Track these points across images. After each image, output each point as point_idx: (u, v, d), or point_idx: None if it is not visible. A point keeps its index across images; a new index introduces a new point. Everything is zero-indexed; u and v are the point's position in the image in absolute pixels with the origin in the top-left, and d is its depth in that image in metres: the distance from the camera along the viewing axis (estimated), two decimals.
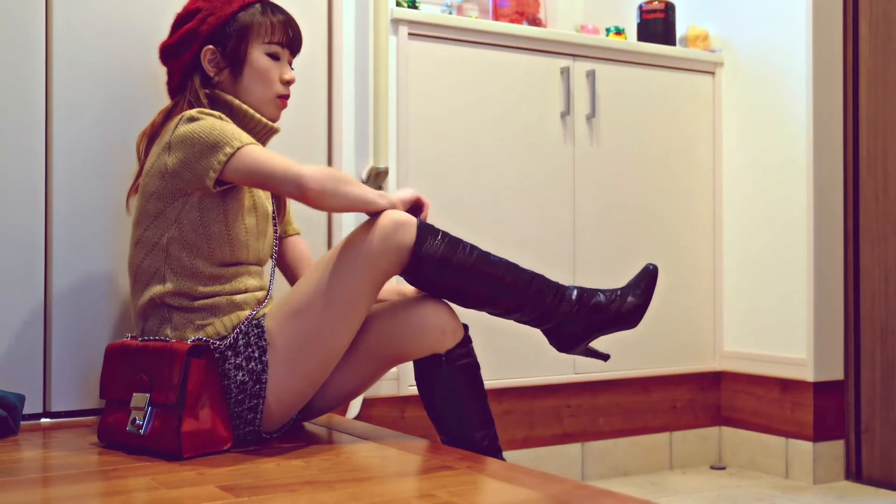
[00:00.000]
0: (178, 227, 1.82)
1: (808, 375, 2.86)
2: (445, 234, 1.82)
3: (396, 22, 2.60)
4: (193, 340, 1.74)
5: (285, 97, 1.99)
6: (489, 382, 2.65)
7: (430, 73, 2.66)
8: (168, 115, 1.93)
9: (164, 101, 2.05)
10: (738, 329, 3.10)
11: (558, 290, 1.87)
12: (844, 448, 2.92)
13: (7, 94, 2.06)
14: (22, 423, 2.00)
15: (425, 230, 1.81)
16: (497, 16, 2.99)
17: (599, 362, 2.89)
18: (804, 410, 2.87)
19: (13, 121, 2.07)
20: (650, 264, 1.92)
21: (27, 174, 2.08)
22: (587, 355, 1.97)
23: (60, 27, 2.11)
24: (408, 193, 1.90)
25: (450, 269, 1.81)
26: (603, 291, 1.89)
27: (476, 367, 1.91)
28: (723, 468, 3.07)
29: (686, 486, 2.84)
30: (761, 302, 3.02)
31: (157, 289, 1.83)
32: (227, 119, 1.87)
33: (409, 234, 1.79)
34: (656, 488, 2.81)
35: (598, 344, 2.19)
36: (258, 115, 1.95)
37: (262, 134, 1.98)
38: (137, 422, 1.72)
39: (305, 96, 2.41)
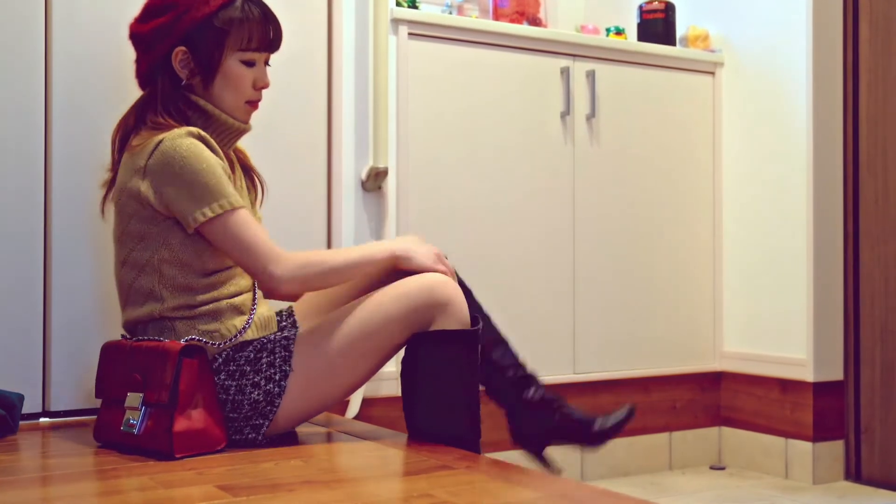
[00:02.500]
0: (167, 248, 1.79)
1: (808, 376, 2.86)
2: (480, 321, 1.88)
3: (396, 22, 2.60)
4: (187, 340, 1.74)
5: (255, 102, 1.92)
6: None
7: (430, 72, 2.66)
8: (140, 112, 1.86)
9: None
10: (738, 329, 3.10)
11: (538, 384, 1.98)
12: (844, 448, 2.91)
13: (7, 93, 2.06)
14: (21, 422, 2.00)
15: (475, 310, 1.89)
16: (497, 16, 2.99)
17: (600, 362, 2.90)
18: (804, 411, 2.87)
19: (12, 120, 2.06)
20: (631, 407, 2.00)
21: (26, 174, 2.08)
22: (538, 461, 2.00)
23: (60, 25, 2.11)
24: (426, 249, 1.90)
25: (469, 363, 1.84)
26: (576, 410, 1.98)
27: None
28: (722, 468, 3.07)
29: (686, 487, 2.84)
30: (761, 302, 3.02)
31: (155, 307, 1.81)
32: (204, 138, 1.79)
33: (460, 302, 1.82)
34: (656, 488, 2.81)
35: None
36: (231, 120, 1.89)
37: (234, 136, 1.93)
38: (131, 421, 1.72)
39: (305, 96, 2.41)
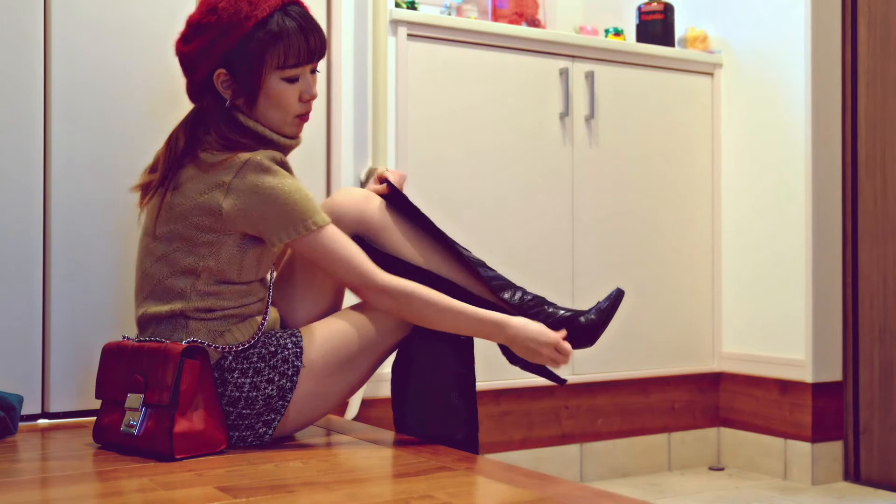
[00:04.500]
0: (215, 258, 1.79)
1: (807, 376, 2.87)
2: None
3: (395, 23, 2.60)
4: (188, 342, 1.73)
5: (305, 115, 1.89)
6: (488, 383, 2.65)
7: (429, 73, 2.66)
8: (191, 130, 1.84)
9: (163, 99, 2.05)
10: (736, 330, 3.10)
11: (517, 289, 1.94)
12: (843, 449, 2.92)
13: (6, 93, 2.06)
14: (20, 423, 2.00)
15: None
16: (496, 17, 2.99)
17: (599, 363, 2.90)
18: (803, 411, 2.88)
19: (11, 120, 2.06)
20: (619, 289, 1.96)
21: (25, 174, 2.08)
22: (540, 373, 1.95)
23: (59, 27, 2.11)
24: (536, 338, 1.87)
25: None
26: (562, 308, 1.94)
27: None
28: (721, 469, 3.07)
29: (685, 487, 2.84)
30: (760, 303, 3.02)
31: (177, 305, 1.80)
32: (283, 162, 1.81)
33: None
34: (655, 489, 2.81)
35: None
36: (281, 139, 1.87)
37: (286, 151, 1.91)
38: (132, 422, 1.71)
39: None
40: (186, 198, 1.80)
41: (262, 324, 1.82)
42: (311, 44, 1.83)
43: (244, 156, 1.77)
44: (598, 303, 1.93)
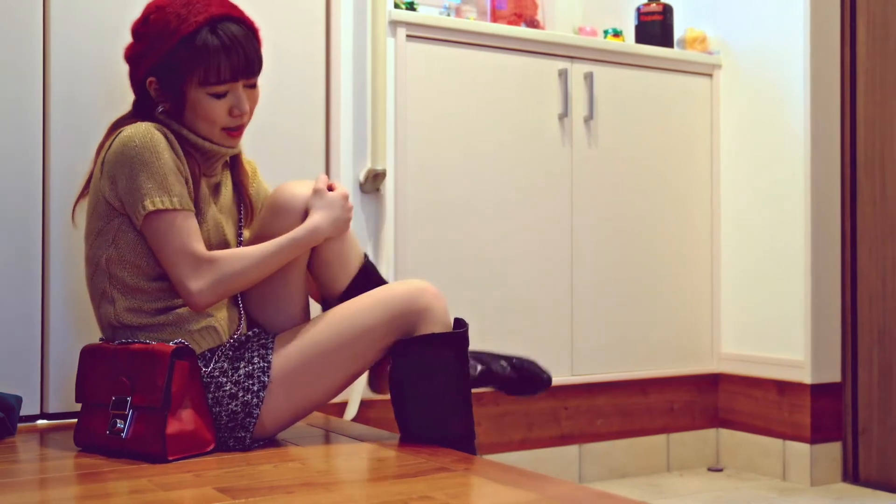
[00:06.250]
0: (115, 247, 1.78)
1: (806, 377, 2.87)
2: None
3: (394, 24, 2.60)
4: (177, 343, 1.73)
5: (235, 129, 1.86)
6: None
7: (428, 74, 2.66)
8: (112, 130, 1.86)
9: None
10: (735, 331, 3.11)
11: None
12: (842, 450, 2.92)
13: (5, 93, 2.06)
14: (19, 424, 2.00)
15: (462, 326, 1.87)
16: (495, 18, 2.99)
17: (598, 364, 2.90)
18: (801, 412, 2.88)
19: (11, 122, 2.06)
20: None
21: (24, 175, 2.08)
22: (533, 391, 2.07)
23: (58, 26, 2.11)
24: (339, 191, 1.89)
25: (437, 373, 1.84)
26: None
27: None
28: (720, 470, 3.07)
29: (684, 488, 2.84)
30: (759, 304, 3.02)
31: (109, 309, 1.80)
32: (165, 133, 1.78)
33: (441, 308, 1.83)
34: (654, 490, 2.81)
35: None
36: (213, 146, 1.86)
37: (218, 157, 1.89)
38: (118, 425, 1.70)
39: (303, 97, 2.41)
40: (91, 187, 1.84)
41: (234, 335, 1.81)
42: (233, 62, 1.80)
43: (122, 129, 1.78)
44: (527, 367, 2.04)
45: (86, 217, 1.86)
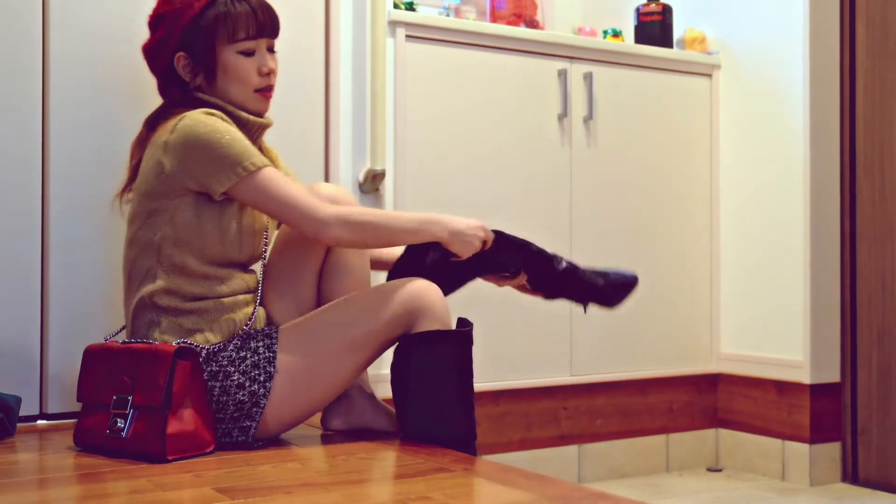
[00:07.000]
0: (171, 225, 1.82)
1: (805, 378, 2.87)
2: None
3: (394, 24, 2.60)
4: (179, 343, 1.73)
5: (266, 89, 1.94)
6: (486, 384, 2.66)
7: (427, 75, 2.66)
8: (152, 123, 1.90)
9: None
10: (735, 331, 3.11)
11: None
12: (841, 450, 2.92)
13: (4, 90, 2.06)
14: (18, 424, 2.00)
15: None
16: (494, 18, 2.99)
17: (598, 364, 2.90)
18: (801, 413, 2.88)
19: (10, 121, 2.06)
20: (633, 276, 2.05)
21: (23, 173, 2.08)
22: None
23: (57, 22, 2.11)
24: (475, 222, 1.95)
25: None
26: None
27: None
28: (719, 470, 3.07)
29: (683, 488, 2.84)
30: (758, 304, 3.02)
31: (148, 287, 1.82)
32: (228, 119, 1.86)
33: (441, 308, 1.85)
34: (653, 490, 2.81)
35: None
36: (246, 115, 1.92)
37: (255, 131, 1.95)
38: (118, 424, 1.70)
39: (303, 98, 2.41)
40: (141, 172, 1.86)
41: (247, 324, 1.82)
42: (259, 18, 1.91)
43: (181, 115, 1.83)
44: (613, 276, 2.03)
45: (132, 204, 1.88)
